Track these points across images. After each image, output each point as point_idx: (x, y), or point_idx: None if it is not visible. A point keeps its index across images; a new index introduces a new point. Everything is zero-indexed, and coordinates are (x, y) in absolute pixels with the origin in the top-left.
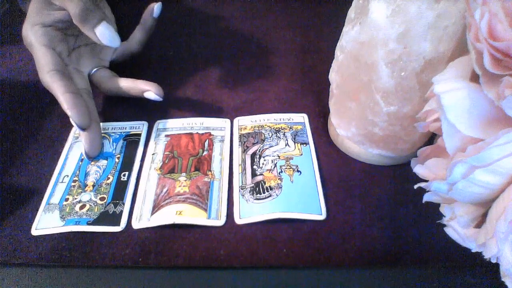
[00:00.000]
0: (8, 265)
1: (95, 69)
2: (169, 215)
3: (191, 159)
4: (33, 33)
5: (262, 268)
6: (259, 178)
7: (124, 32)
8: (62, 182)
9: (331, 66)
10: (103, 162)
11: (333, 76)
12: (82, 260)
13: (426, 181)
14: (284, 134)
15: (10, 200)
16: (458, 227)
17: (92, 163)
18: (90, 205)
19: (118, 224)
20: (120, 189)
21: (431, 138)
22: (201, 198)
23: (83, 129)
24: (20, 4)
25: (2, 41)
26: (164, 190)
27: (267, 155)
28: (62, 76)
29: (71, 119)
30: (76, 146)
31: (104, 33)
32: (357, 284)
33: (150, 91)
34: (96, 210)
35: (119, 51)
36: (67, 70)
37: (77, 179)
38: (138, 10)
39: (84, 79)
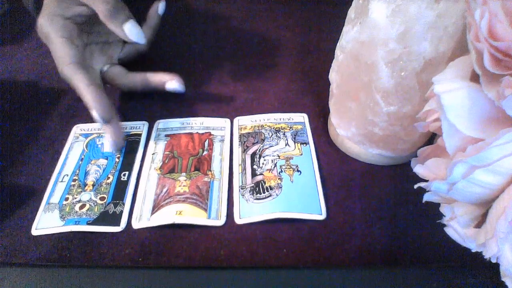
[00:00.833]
0: (8, 265)
1: (107, 66)
2: (169, 215)
3: (191, 159)
4: (51, 24)
5: (262, 268)
6: (259, 178)
7: None
8: (62, 181)
9: (331, 66)
10: (103, 162)
11: (333, 76)
12: (82, 260)
13: (426, 181)
14: (284, 134)
15: (10, 200)
16: (458, 227)
17: (92, 162)
18: (90, 204)
19: (118, 224)
20: (120, 189)
21: (431, 138)
22: (201, 198)
23: (106, 121)
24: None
25: (2, 41)
26: (164, 190)
27: (267, 155)
28: (82, 68)
29: (93, 112)
30: (76, 145)
31: (132, 30)
32: (357, 284)
33: (173, 80)
34: (96, 210)
35: (126, 50)
36: (84, 64)
37: (76, 178)
38: (141, 11)
39: (97, 75)
